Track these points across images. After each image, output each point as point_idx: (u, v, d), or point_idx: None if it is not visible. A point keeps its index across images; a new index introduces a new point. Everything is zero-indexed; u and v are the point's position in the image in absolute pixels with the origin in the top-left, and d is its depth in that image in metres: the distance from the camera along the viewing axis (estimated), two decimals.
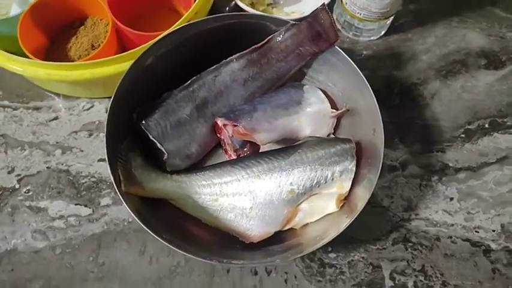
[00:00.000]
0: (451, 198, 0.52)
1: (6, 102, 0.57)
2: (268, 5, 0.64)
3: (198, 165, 0.51)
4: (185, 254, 0.39)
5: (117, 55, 0.48)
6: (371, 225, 0.51)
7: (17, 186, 0.52)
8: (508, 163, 0.54)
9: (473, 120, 0.57)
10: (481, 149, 0.55)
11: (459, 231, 0.51)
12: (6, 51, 0.56)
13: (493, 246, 0.50)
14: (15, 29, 0.51)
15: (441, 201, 0.52)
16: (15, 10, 0.55)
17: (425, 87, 0.59)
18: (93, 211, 0.51)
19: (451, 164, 0.54)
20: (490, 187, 0.53)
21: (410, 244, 0.50)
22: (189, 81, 0.49)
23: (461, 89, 0.59)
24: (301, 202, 0.47)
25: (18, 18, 0.51)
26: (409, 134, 0.56)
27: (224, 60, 0.50)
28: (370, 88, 0.46)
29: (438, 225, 0.51)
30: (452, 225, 0.51)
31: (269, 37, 0.51)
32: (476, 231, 0.51)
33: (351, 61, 0.47)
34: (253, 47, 0.50)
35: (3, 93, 0.57)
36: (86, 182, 0.52)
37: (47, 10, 0.54)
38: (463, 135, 0.56)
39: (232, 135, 0.48)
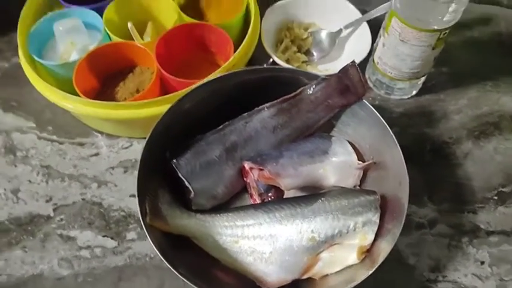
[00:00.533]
0: (482, 262, 0.50)
1: (54, 137, 0.62)
2: (303, 62, 0.67)
3: (223, 207, 0.52)
4: None
5: (157, 98, 0.52)
6: (395, 283, 0.49)
7: (52, 214, 0.55)
8: None
9: (507, 183, 0.55)
10: None
11: None
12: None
13: None
14: (72, 73, 0.56)
15: (471, 264, 0.50)
16: (74, 57, 0.62)
17: (457, 146, 0.58)
18: (118, 244, 0.52)
19: (482, 226, 0.52)
20: None
21: None
22: (221, 126, 0.52)
23: (494, 151, 0.58)
24: (322, 251, 0.46)
25: (75, 63, 0.57)
26: (439, 192, 0.55)
27: (256, 108, 0.53)
28: (396, 142, 0.47)
29: None
30: None
31: (300, 89, 0.53)
32: None
33: (378, 115, 0.49)
34: (284, 97, 0.53)
35: (53, 129, 0.62)
36: (115, 215, 0.54)
37: (101, 58, 0.60)
38: (495, 197, 0.54)
39: (258, 179, 0.49)
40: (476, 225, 0.52)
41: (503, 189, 0.54)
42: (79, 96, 0.55)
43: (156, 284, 0.49)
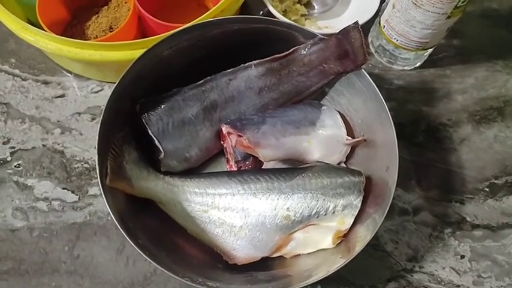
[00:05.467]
0: (462, 256, 0.47)
1: (17, 71, 0.55)
2: (301, 15, 0.60)
3: (195, 170, 0.48)
4: (157, 265, 0.36)
5: (130, 41, 0.46)
6: (369, 269, 0.46)
7: (9, 158, 0.50)
8: None
9: (502, 174, 0.52)
10: (504, 208, 0.50)
11: None
12: (29, 20, 0.55)
13: None
14: None
15: (451, 257, 0.47)
16: None
17: (455, 129, 0.54)
18: (79, 199, 0.48)
19: (468, 219, 0.49)
20: (508, 251, 0.48)
21: None
22: (202, 81, 0.47)
23: (493, 138, 0.54)
24: (296, 231, 0.43)
25: None
26: (428, 177, 0.51)
27: (242, 65, 0.47)
28: (392, 121, 0.42)
29: (443, 283, 0.46)
30: (459, 286, 0.46)
31: (294, 48, 0.47)
32: None
33: (376, 88, 0.44)
34: (275, 55, 0.47)
35: (16, 62, 0.56)
36: (78, 167, 0.50)
37: None
38: (487, 189, 0.51)
39: (235, 146, 0.45)
40: (462, 216, 0.49)
41: (495, 181, 0.51)
42: (43, 28, 0.48)
43: (116, 246, 0.46)
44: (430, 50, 0.55)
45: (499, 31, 0.61)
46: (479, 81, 0.57)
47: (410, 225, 0.48)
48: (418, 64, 0.58)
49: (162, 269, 0.36)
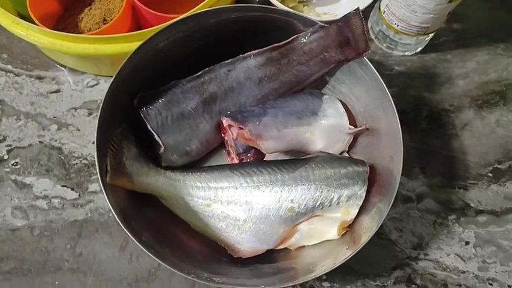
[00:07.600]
0: (467, 242, 0.47)
1: (9, 67, 0.54)
2: (299, 2, 0.59)
3: (196, 163, 0.48)
4: (162, 263, 0.35)
5: (125, 33, 0.45)
6: (374, 258, 0.46)
7: (6, 157, 0.49)
8: None
9: (505, 159, 0.51)
10: (508, 193, 0.50)
11: (470, 281, 0.46)
12: (19, 13, 0.54)
13: None
14: None
15: (455, 243, 0.47)
16: None
17: (457, 115, 0.54)
18: (79, 196, 0.48)
19: (472, 204, 0.49)
20: None
21: (414, 286, 0.45)
22: (200, 72, 0.46)
23: (496, 123, 0.53)
24: (300, 222, 0.42)
25: None
26: (432, 164, 0.51)
27: (241, 55, 0.46)
28: (395, 110, 0.41)
29: (448, 269, 0.46)
30: (464, 272, 0.46)
31: (293, 37, 0.46)
32: (489, 284, 0.46)
33: (379, 76, 0.43)
34: (274, 44, 0.46)
35: (8, 57, 0.54)
36: (77, 163, 0.49)
37: None
38: (490, 174, 0.50)
39: (237, 138, 0.44)
40: (466, 202, 0.49)
41: (499, 166, 0.51)
42: (34, 21, 0.47)
43: (119, 242, 0.46)
44: (431, 35, 0.55)
45: (499, 14, 0.60)
46: (480, 65, 0.57)
47: (415, 213, 0.48)
48: (418, 49, 0.57)
49: (168, 267, 0.35)
